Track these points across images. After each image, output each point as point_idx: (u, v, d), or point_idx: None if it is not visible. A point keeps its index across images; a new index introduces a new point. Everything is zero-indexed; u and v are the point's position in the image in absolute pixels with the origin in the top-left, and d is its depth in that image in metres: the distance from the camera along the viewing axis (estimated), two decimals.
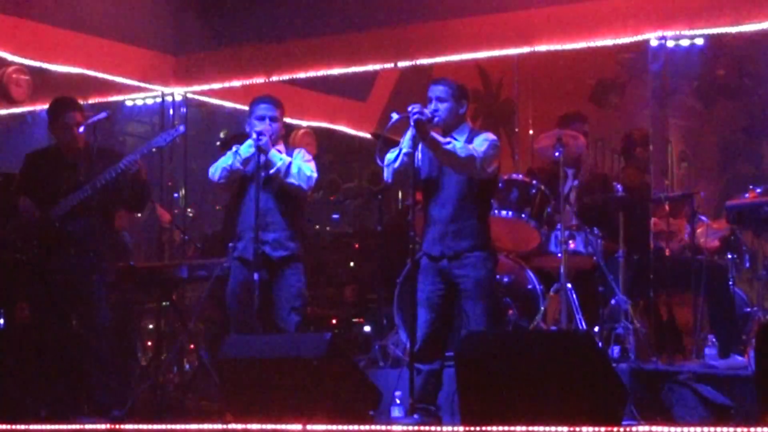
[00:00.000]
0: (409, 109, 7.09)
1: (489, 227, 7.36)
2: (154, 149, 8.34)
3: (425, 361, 7.19)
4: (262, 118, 7.80)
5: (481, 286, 7.18)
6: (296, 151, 7.95)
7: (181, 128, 8.50)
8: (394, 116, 7.15)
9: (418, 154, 7.23)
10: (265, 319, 7.73)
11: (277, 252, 7.72)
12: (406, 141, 7.18)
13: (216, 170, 7.80)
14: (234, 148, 7.79)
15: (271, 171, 7.66)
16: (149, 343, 11.04)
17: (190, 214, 11.94)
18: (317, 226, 12.31)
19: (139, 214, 9.75)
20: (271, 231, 7.72)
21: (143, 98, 11.32)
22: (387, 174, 7.33)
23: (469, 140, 7.27)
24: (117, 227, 8.86)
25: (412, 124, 7.12)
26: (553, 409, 6.18)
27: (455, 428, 6.53)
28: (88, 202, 7.91)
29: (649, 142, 9.19)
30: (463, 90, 7.38)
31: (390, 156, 7.27)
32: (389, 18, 9.89)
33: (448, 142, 7.11)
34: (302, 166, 7.75)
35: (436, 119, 7.22)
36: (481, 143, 7.20)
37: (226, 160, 7.78)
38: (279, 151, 7.79)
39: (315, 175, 7.83)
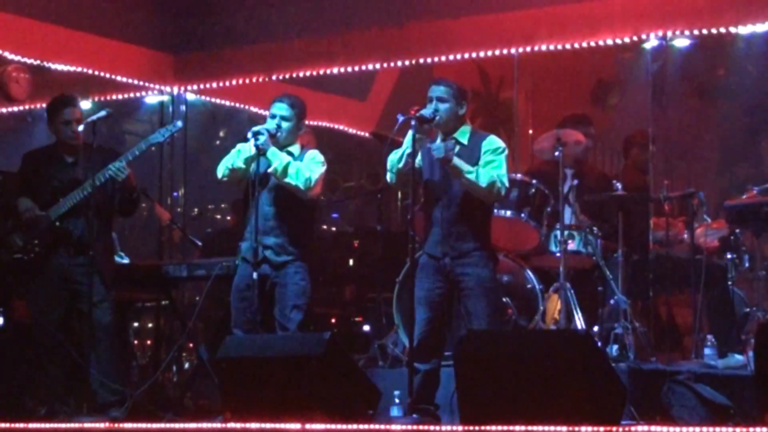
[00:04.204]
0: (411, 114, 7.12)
1: (490, 228, 7.38)
2: (153, 146, 8.34)
3: (423, 360, 7.19)
4: (273, 117, 7.80)
5: (483, 285, 7.19)
6: (309, 151, 7.92)
7: (179, 123, 8.50)
8: (400, 118, 7.17)
9: (419, 156, 7.25)
10: (267, 317, 7.74)
11: (279, 257, 7.71)
12: (407, 141, 7.19)
13: (220, 167, 7.82)
14: (237, 146, 7.80)
15: (269, 170, 7.65)
16: (148, 342, 11.05)
17: (194, 213, 11.95)
18: (324, 226, 12.31)
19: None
20: (273, 236, 7.71)
21: (143, 97, 11.31)
22: (390, 176, 7.34)
23: (473, 141, 7.29)
24: None
25: (413, 124, 7.14)
26: (552, 409, 6.19)
27: (454, 428, 6.53)
28: (87, 200, 7.92)
29: (648, 143, 9.19)
30: (462, 90, 7.39)
31: (393, 157, 7.28)
32: (389, 17, 9.89)
33: (471, 171, 7.13)
34: (303, 166, 7.72)
35: (437, 119, 7.23)
36: (499, 158, 7.21)
37: (228, 158, 7.78)
38: (291, 152, 7.78)
39: (316, 176, 7.76)
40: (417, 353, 7.17)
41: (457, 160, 7.12)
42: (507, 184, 7.30)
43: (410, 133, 7.18)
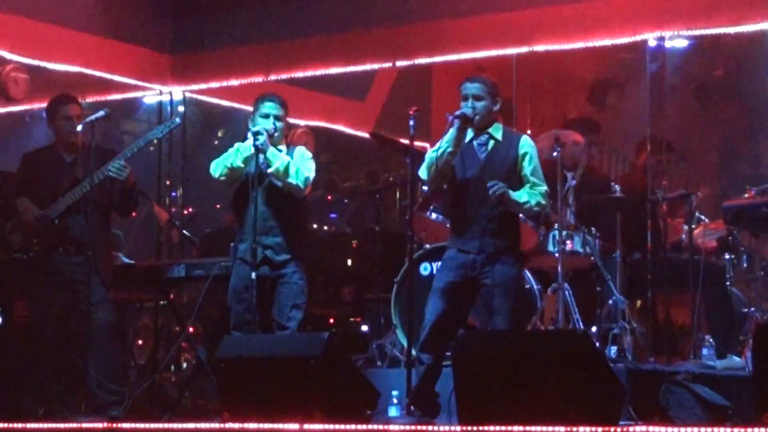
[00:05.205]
0: (458, 113, 7.15)
1: (519, 228, 7.42)
2: (151, 143, 8.35)
3: (429, 352, 7.15)
4: (266, 116, 7.81)
5: (511, 285, 7.20)
6: (297, 149, 7.95)
7: (177, 120, 8.55)
8: (449, 117, 7.17)
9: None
10: (265, 317, 7.74)
11: (279, 256, 7.73)
12: (448, 141, 7.18)
13: (217, 167, 7.81)
14: (236, 145, 7.81)
15: (270, 170, 7.66)
16: (146, 342, 11.04)
17: (187, 212, 11.94)
18: (315, 226, 12.33)
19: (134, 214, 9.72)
20: (273, 235, 7.72)
21: (141, 97, 11.31)
22: (427, 173, 7.30)
23: (507, 138, 7.31)
24: None
25: (456, 123, 7.14)
26: (550, 409, 6.19)
27: (452, 428, 6.54)
28: (86, 198, 7.92)
29: (646, 144, 9.19)
30: (496, 87, 7.38)
31: (432, 155, 7.24)
32: (388, 18, 9.89)
33: (526, 202, 7.18)
34: (301, 165, 7.75)
35: (476, 118, 7.23)
36: (540, 172, 7.30)
37: (227, 157, 7.78)
38: (280, 151, 7.79)
39: (313, 174, 7.82)
40: (425, 344, 7.13)
41: (512, 194, 7.14)
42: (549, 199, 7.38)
43: (452, 132, 7.17)
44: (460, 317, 7.34)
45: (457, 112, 7.20)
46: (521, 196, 7.18)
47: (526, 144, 7.34)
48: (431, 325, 7.17)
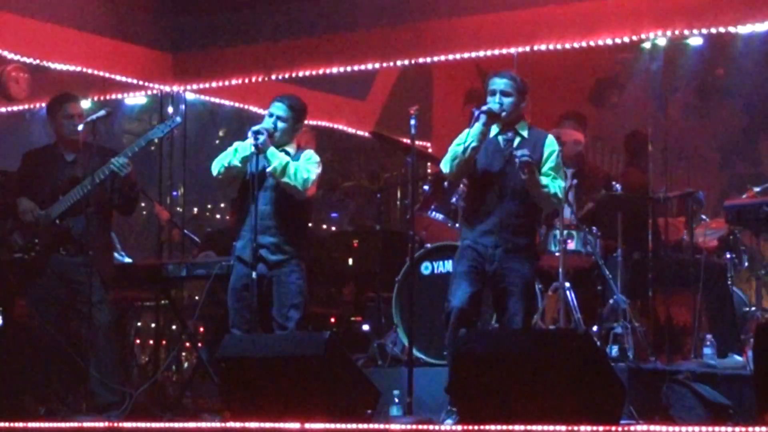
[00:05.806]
0: (485, 108, 7.14)
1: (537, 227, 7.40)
2: (152, 142, 8.36)
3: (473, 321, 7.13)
4: (270, 116, 7.81)
5: (527, 286, 7.22)
6: (305, 152, 7.92)
7: (178, 119, 8.57)
8: (476, 112, 7.16)
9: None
10: (264, 317, 7.74)
11: (275, 255, 7.72)
12: (474, 135, 7.15)
13: (216, 165, 7.81)
14: (235, 144, 7.80)
15: (268, 169, 7.66)
16: (148, 342, 11.04)
17: (194, 212, 11.96)
18: (314, 225, 12.34)
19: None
20: (270, 235, 7.71)
21: (142, 96, 11.31)
22: (449, 166, 7.26)
23: (532, 135, 7.30)
24: None
25: (483, 118, 7.11)
26: (551, 409, 6.20)
27: (453, 427, 6.54)
28: (87, 198, 7.93)
29: (647, 142, 9.18)
30: (525, 84, 7.36)
31: (456, 149, 7.22)
32: (389, 17, 9.89)
33: (546, 186, 7.16)
34: (301, 167, 7.73)
35: (503, 114, 7.22)
36: (560, 167, 7.28)
37: (225, 156, 7.79)
38: (287, 152, 7.78)
39: (314, 176, 7.77)
40: (462, 314, 7.08)
41: (537, 176, 7.14)
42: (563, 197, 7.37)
43: (477, 126, 7.15)
44: (481, 302, 7.31)
45: (484, 108, 7.18)
46: (542, 179, 7.18)
47: (552, 143, 7.34)
48: (459, 309, 7.10)
